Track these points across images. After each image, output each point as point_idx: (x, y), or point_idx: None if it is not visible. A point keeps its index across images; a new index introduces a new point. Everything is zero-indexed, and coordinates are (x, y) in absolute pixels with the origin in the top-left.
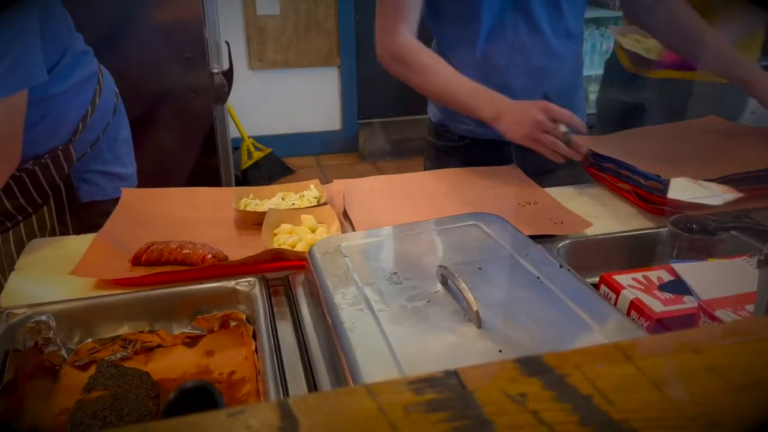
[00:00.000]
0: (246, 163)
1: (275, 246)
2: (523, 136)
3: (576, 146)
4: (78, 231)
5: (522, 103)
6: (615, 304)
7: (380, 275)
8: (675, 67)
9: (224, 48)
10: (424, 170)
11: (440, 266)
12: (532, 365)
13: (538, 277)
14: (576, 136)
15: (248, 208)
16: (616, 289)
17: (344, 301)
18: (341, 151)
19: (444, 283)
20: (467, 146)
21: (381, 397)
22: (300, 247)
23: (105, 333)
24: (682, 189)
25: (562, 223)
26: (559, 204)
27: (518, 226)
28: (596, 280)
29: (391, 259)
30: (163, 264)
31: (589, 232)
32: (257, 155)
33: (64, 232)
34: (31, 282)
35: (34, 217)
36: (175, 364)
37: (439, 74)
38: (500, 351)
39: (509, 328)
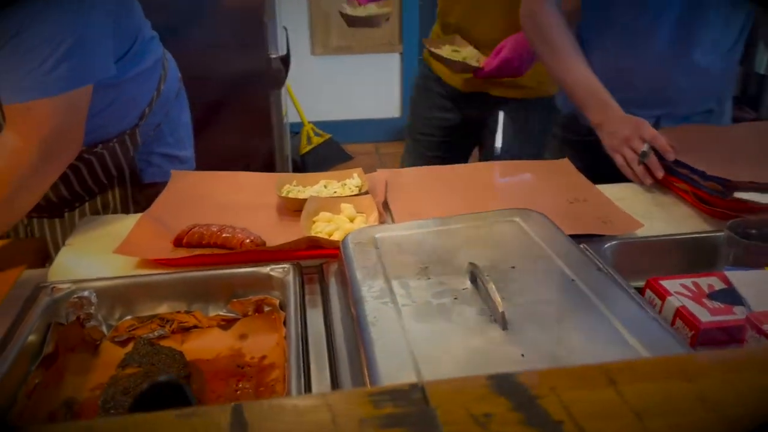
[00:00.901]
0: (305, 148)
1: (312, 234)
2: (610, 147)
3: (652, 167)
4: (139, 211)
5: (624, 117)
6: (660, 311)
7: (410, 269)
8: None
9: (283, 33)
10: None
11: (470, 263)
12: (503, 383)
13: (573, 280)
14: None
15: (290, 195)
16: (662, 295)
17: (370, 294)
18: (400, 138)
19: (473, 280)
20: (597, 142)
21: (338, 407)
22: (336, 236)
23: (144, 311)
24: (743, 192)
25: (611, 222)
26: (610, 202)
27: (563, 224)
28: (643, 284)
29: (424, 253)
30: (204, 246)
31: (641, 233)
32: (316, 141)
33: (126, 212)
34: (79, 258)
35: (99, 196)
36: (209, 345)
37: (568, 61)
38: (522, 355)
39: (535, 333)
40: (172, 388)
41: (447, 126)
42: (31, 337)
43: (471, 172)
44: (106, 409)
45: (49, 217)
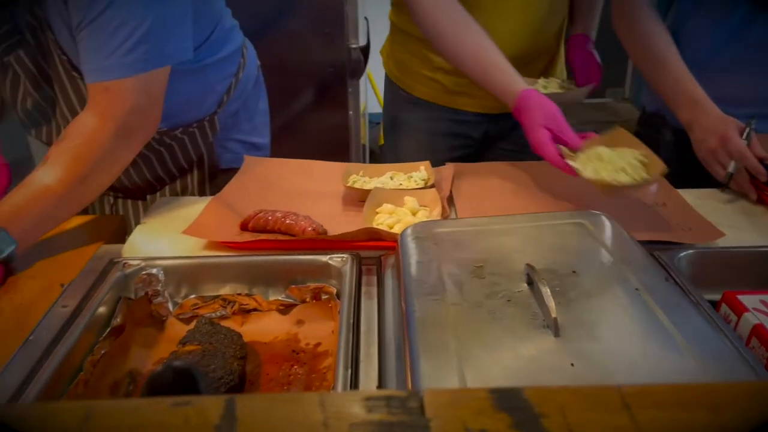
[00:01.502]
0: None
1: (373, 225)
2: (699, 156)
3: (742, 188)
4: (215, 195)
5: (714, 122)
6: (735, 327)
7: (465, 267)
8: None
9: (364, 24)
10: None
11: (527, 265)
12: (507, 398)
13: (638, 289)
14: None
15: (356, 185)
16: (739, 311)
17: (421, 289)
18: None
19: (529, 283)
20: (684, 143)
21: (331, 409)
22: (397, 229)
23: (208, 291)
24: None
25: (690, 230)
26: (691, 208)
27: (638, 229)
28: (719, 297)
29: (481, 252)
30: (268, 232)
31: (722, 243)
32: None
33: (203, 195)
34: (151, 237)
35: (178, 180)
36: (267, 328)
37: (663, 59)
38: (572, 365)
39: (589, 342)
40: (188, 373)
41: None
42: (101, 309)
43: (545, 168)
44: (151, 384)
45: (133, 199)
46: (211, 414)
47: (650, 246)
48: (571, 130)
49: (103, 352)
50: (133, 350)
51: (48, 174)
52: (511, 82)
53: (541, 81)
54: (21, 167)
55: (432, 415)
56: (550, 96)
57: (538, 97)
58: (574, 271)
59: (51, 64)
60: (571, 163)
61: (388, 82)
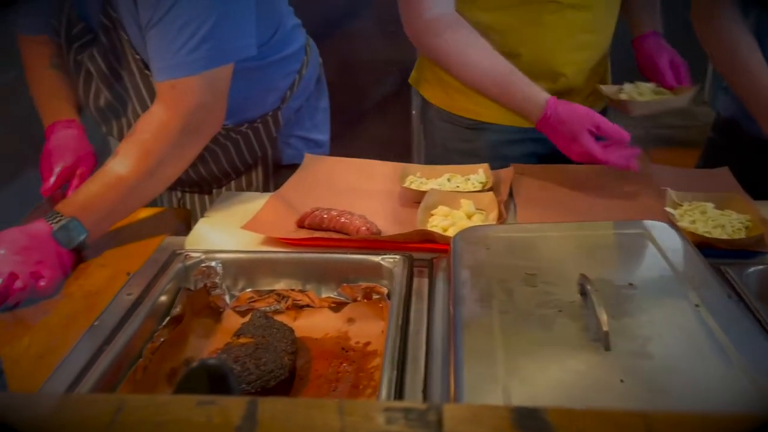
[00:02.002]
0: None
1: (427, 227)
2: None
3: None
4: (276, 190)
5: None
6: None
7: (516, 274)
8: None
9: None
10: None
11: (582, 274)
12: (528, 418)
13: (698, 306)
14: None
15: (412, 186)
16: None
17: (470, 295)
18: None
19: (583, 293)
20: (761, 153)
21: (349, 417)
22: (451, 232)
23: (264, 285)
24: None
25: (762, 243)
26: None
27: (703, 240)
28: None
29: (535, 259)
30: (323, 230)
31: None
32: None
33: (267, 191)
34: (213, 230)
35: (243, 175)
36: (319, 325)
37: (748, 67)
38: (621, 381)
39: (641, 359)
40: (220, 371)
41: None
42: (162, 298)
43: (612, 173)
44: (184, 380)
45: (200, 193)
46: (233, 415)
47: (718, 260)
48: (612, 124)
49: (162, 339)
50: (191, 339)
51: (119, 166)
52: (534, 92)
53: (628, 87)
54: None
55: (449, 430)
56: (649, 104)
57: (567, 103)
58: (630, 284)
59: (123, 63)
60: (669, 210)
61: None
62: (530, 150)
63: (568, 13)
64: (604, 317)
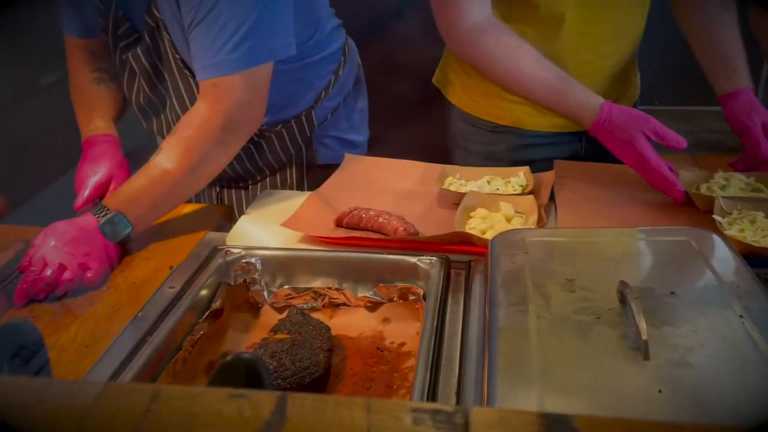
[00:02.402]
0: None
1: (465, 229)
2: None
3: None
4: (312, 189)
5: None
6: None
7: (554, 279)
8: None
9: None
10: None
11: (621, 281)
12: (556, 425)
13: (741, 317)
14: None
15: (451, 188)
16: None
17: (507, 299)
18: None
19: (622, 301)
20: None
21: (376, 416)
22: (489, 235)
23: (301, 283)
24: None
25: None
26: None
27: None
28: None
29: (574, 264)
30: (361, 229)
31: None
32: None
33: (301, 189)
34: (253, 227)
35: (278, 173)
36: (354, 324)
37: None
38: (660, 391)
39: (680, 369)
40: (253, 366)
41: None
42: (203, 292)
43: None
44: (219, 372)
45: (236, 188)
46: (263, 409)
47: (766, 271)
48: (669, 129)
49: (201, 333)
50: (229, 333)
51: (163, 161)
52: (589, 96)
53: (720, 177)
54: (145, 154)
55: None
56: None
57: (622, 107)
58: (672, 292)
59: (165, 62)
60: (717, 218)
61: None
62: (551, 154)
63: (582, 27)
64: (643, 325)
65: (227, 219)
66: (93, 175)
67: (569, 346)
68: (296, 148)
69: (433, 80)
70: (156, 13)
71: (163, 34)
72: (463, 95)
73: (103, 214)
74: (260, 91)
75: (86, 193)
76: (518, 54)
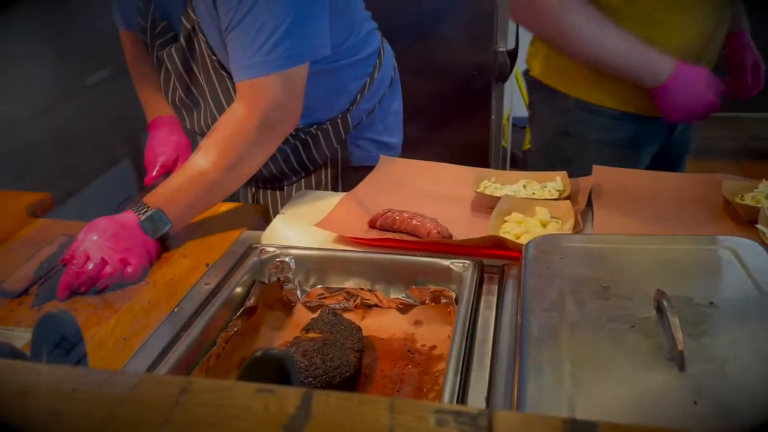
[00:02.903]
0: (529, 144)
1: (500, 233)
2: None
3: None
4: (346, 190)
5: None
6: None
7: (589, 286)
8: None
9: (513, 27)
10: None
11: (659, 290)
12: (581, 430)
13: None
14: None
15: (486, 191)
16: None
17: (540, 304)
18: None
19: (658, 310)
20: None
21: (399, 416)
22: (524, 240)
23: (334, 283)
24: None
25: None
26: None
27: None
28: None
29: (610, 271)
30: (394, 231)
31: None
32: None
33: (335, 190)
34: (288, 226)
35: (313, 174)
36: (386, 325)
37: None
38: (695, 403)
39: (717, 380)
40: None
41: None
42: (238, 290)
43: (704, 184)
44: (248, 367)
45: (272, 189)
46: (289, 404)
47: None
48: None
49: (235, 329)
50: (262, 331)
51: (201, 161)
52: (657, 55)
53: (765, 186)
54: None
55: None
56: None
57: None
58: (711, 302)
59: (201, 63)
60: (762, 228)
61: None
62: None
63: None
64: (679, 335)
65: (263, 218)
66: (161, 154)
67: (602, 354)
68: (331, 150)
69: (535, 74)
70: (192, 15)
71: (199, 35)
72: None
73: (143, 211)
74: (296, 91)
75: (155, 170)
76: (592, 25)
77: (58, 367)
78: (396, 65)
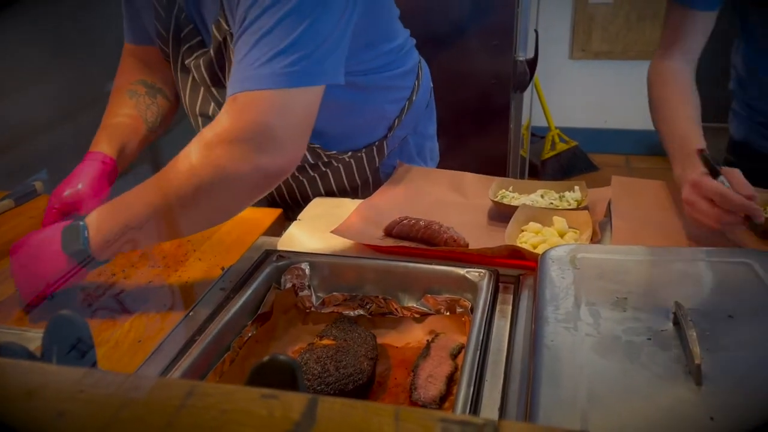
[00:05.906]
0: (548, 153)
1: (516, 243)
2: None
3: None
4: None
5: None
6: None
7: (606, 297)
8: None
9: (532, 36)
10: None
11: (676, 302)
12: None
13: None
14: None
15: (504, 200)
16: None
17: (555, 315)
18: (656, 153)
19: (676, 323)
20: None
21: (404, 424)
22: (541, 249)
23: (349, 290)
24: None
25: None
26: None
27: None
28: None
29: (627, 283)
30: (410, 239)
31: None
32: (561, 147)
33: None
34: (304, 233)
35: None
36: (400, 333)
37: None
38: (712, 419)
39: (734, 396)
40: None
41: None
42: (253, 295)
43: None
44: (255, 372)
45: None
46: (294, 410)
47: None
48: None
49: (250, 335)
50: (277, 337)
51: (166, 168)
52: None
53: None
54: None
55: None
56: None
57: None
58: (730, 316)
59: (226, 74)
60: None
61: None
62: None
63: None
64: (697, 349)
65: (279, 224)
66: (71, 188)
67: (617, 366)
68: (362, 178)
69: None
70: (225, 25)
71: (230, 47)
72: None
73: (79, 219)
74: (293, 121)
75: (56, 204)
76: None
77: (65, 369)
78: (432, 86)
